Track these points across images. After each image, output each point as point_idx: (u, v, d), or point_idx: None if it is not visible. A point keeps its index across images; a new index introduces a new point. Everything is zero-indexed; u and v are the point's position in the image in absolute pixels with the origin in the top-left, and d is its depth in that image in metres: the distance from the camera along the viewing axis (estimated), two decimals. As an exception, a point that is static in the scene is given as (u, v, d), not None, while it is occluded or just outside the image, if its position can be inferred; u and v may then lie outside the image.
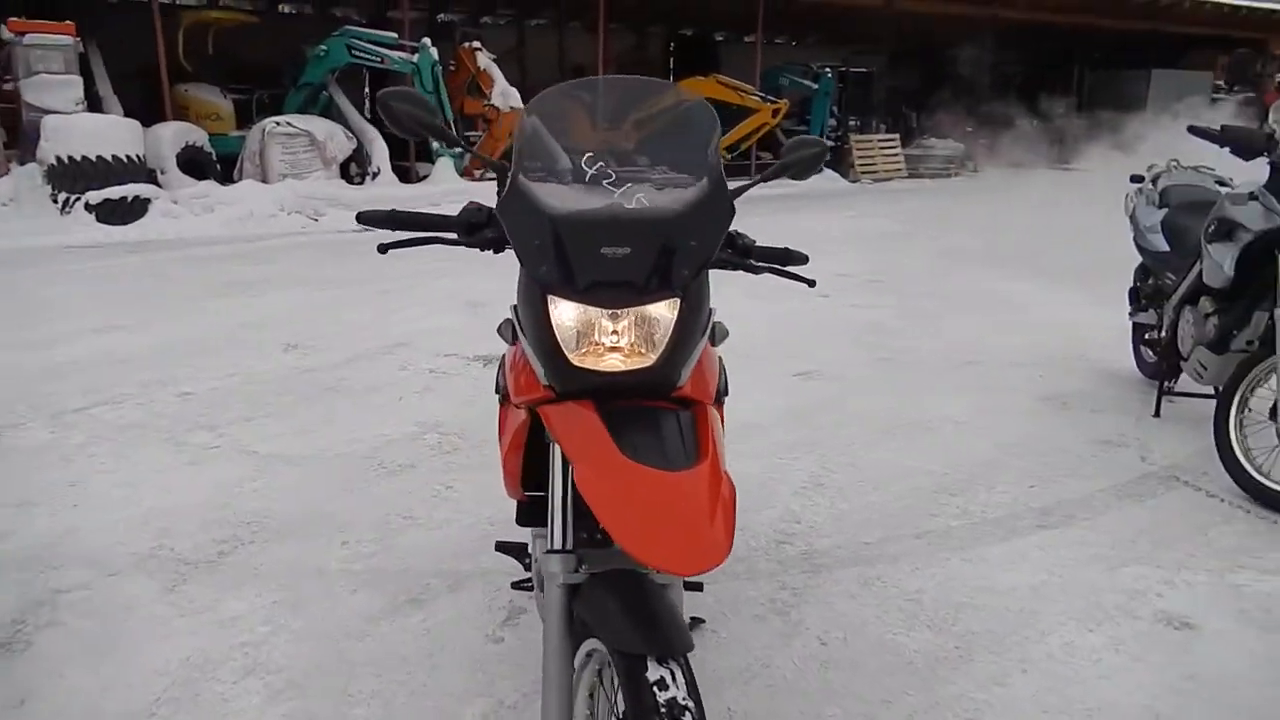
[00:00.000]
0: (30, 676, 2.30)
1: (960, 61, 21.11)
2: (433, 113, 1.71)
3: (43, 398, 4.36)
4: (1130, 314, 4.68)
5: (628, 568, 1.54)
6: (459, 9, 17.73)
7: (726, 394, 1.81)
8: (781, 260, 1.83)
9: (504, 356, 1.80)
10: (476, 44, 13.15)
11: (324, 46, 12.35)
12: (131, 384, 4.60)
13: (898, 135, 18.41)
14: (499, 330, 1.63)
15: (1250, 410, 3.36)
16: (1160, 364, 4.26)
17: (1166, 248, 4.17)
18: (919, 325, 5.99)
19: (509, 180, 1.49)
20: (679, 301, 1.43)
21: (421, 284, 7.19)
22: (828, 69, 17.58)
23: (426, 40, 12.05)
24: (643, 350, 1.44)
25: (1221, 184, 4.33)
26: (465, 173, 12.68)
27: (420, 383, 4.70)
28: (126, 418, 4.15)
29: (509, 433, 1.71)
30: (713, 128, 1.59)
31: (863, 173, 17.10)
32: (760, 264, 1.77)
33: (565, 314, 1.43)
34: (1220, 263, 3.53)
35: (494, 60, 13.18)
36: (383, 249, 1.76)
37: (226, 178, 11.34)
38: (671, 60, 20.25)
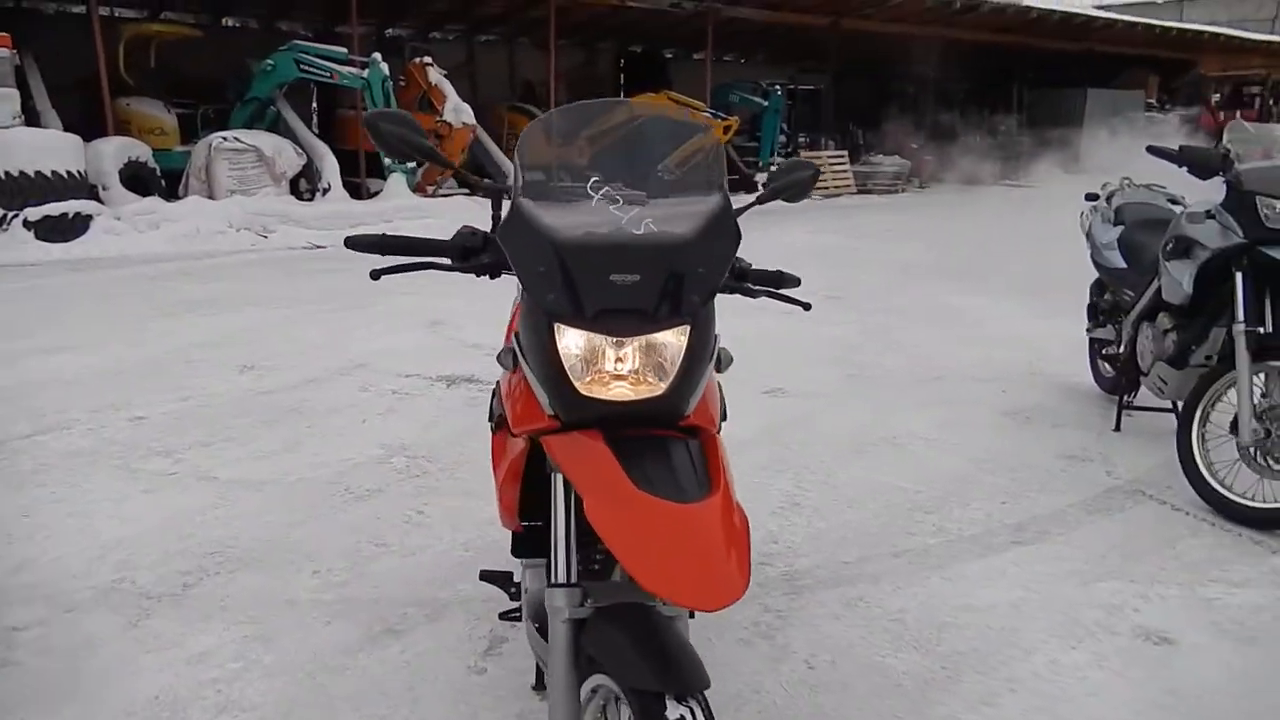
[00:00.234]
0: (-13, 723, 2.19)
1: (905, 79, 21.59)
2: (421, 134, 1.67)
3: (-14, 424, 4.18)
4: (1088, 329, 4.78)
5: (633, 600, 1.51)
6: (407, 24, 17.58)
7: (725, 419, 1.78)
8: (775, 283, 1.82)
9: (499, 383, 1.75)
10: (427, 59, 13.06)
11: (271, 61, 12.16)
12: (80, 408, 4.44)
13: (846, 152, 18.69)
14: (499, 358, 1.59)
15: (1211, 424, 3.44)
16: (1119, 379, 4.35)
17: (1124, 265, 4.26)
18: (880, 341, 6.05)
19: (510, 204, 1.46)
20: (688, 329, 1.41)
21: (379, 302, 7.06)
22: (777, 86, 17.80)
23: (377, 55, 11.93)
24: (651, 379, 1.41)
25: (1174, 202, 4.44)
26: (418, 188, 12.55)
27: (383, 404, 4.60)
28: (77, 444, 3.99)
29: (505, 462, 1.66)
30: (717, 153, 1.57)
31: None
32: (757, 287, 1.76)
33: (572, 342, 1.40)
34: (1179, 280, 3.61)
35: (445, 76, 13.09)
36: (375, 275, 1.70)
37: (171, 194, 11.08)
38: (622, 77, 20.31)
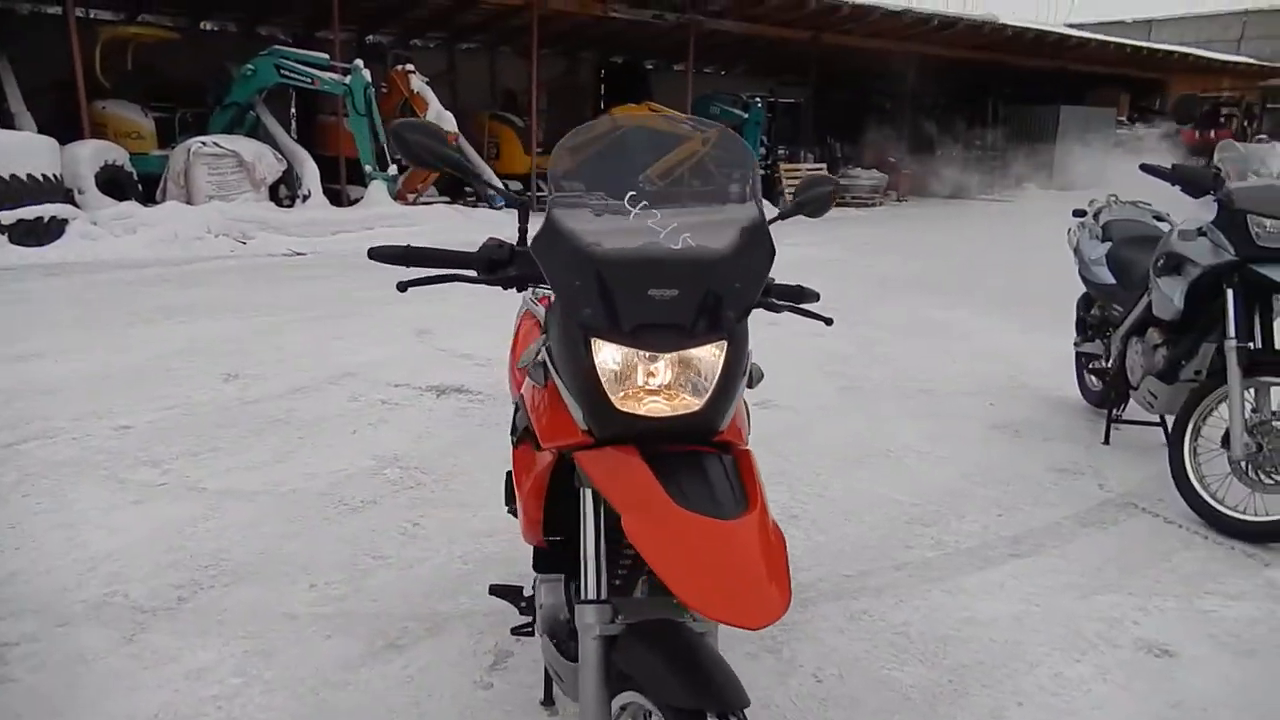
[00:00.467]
0: (-19, 741, 2.13)
1: (883, 94, 21.79)
2: (447, 143, 1.65)
3: (-34, 432, 4.10)
4: (1075, 343, 4.83)
5: (663, 616, 1.50)
6: (388, 31, 17.51)
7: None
8: (796, 298, 1.82)
9: (522, 397, 1.73)
10: (410, 67, 13.01)
11: (251, 66, 12.06)
12: (63, 417, 4.36)
13: (825, 164, 18.81)
14: (529, 371, 1.57)
15: (1202, 438, 3.48)
16: (1107, 392, 4.40)
17: (1113, 280, 4.32)
18: (867, 353, 6.07)
19: (544, 217, 1.44)
20: (726, 344, 1.40)
21: (362, 310, 7.02)
22: (757, 98, 17.89)
23: (359, 62, 11.87)
24: (687, 394, 1.40)
25: (1159, 219, 4.52)
26: (399, 196, 12.48)
27: (373, 414, 4.56)
28: (61, 454, 3.92)
29: (531, 477, 1.65)
30: (749, 162, 1.56)
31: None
32: (780, 302, 1.76)
33: (609, 357, 1.39)
34: (1170, 296, 3.66)
35: (427, 83, 13.04)
36: (402, 287, 1.68)
37: (148, 198, 10.94)
38: (603, 87, 20.34)
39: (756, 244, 1.45)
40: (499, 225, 12.25)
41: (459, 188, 14.56)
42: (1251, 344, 3.36)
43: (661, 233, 1.40)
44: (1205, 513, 3.38)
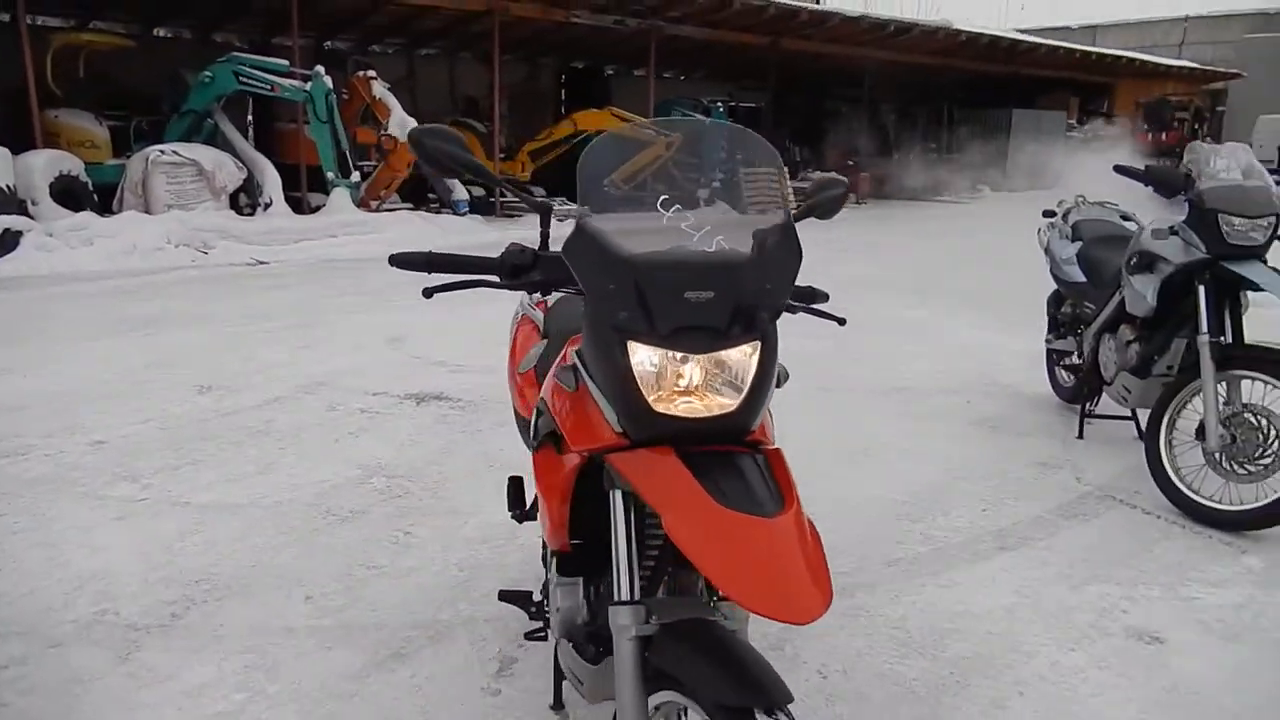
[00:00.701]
0: (-20, 766, 2.08)
1: (842, 98, 22.06)
2: (467, 150, 1.65)
3: (-66, 451, 3.99)
4: (1047, 340, 4.93)
5: (696, 615, 1.51)
6: (346, 37, 17.34)
7: (771, 433, 1.80)
8: (808, 299, 1.85)
9: (543, 400, 1.74)
10: (371, 73, 12.88)
11: (209, 73, 11.87)
12: (34, 433, 4.26)
13: (785, 168, 18.96)
14: (559, 376, 1.57)
15: (1177, 430, 3.58)
16: (1080, 388, 4.50)
17: (1084, 279, 4.42)
18: (841, 352, 6.13)
19: (575, 222, 1.45)
20: (759, 345, 1.42)
21: (331, 319, 6.94)
22: (718, 103, 18.02)
23: (320, 68, 11.73)
24: (722, 395, 1.42)
25: (1126, 219, 4.63)
26: (362, 203, 12.36)
27: (353, 424, 4.51)
28: (34, 470, 3.83)
29: (557, 480, 1.65)
30: (777, 165, 1.59)
31: (751, 204, 17.51)
32: (795, 303, 1.78)
33: (645, 359, 1.40)
34: (1143, 293, 3.76)
35: (389, 89, 12.93)
36: (428, 293, 1.68)
37: (104, 209, 10.71)
38: (564, 92, 20.33)
39: (787, 246, 1.47)
40: (463, 231, 12.19)
41: (422, 194, 14.45)
42: (1223, 338, 3.46)
43: (695, 235, 1.42)
44: (1182, 503, 3.47)
